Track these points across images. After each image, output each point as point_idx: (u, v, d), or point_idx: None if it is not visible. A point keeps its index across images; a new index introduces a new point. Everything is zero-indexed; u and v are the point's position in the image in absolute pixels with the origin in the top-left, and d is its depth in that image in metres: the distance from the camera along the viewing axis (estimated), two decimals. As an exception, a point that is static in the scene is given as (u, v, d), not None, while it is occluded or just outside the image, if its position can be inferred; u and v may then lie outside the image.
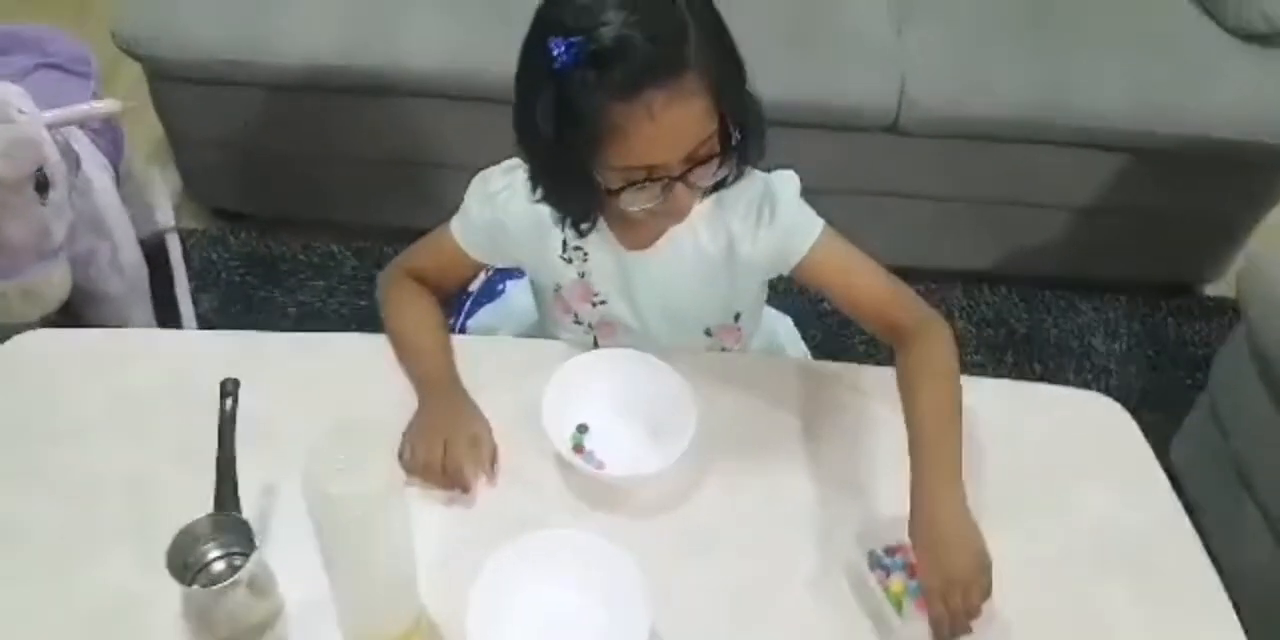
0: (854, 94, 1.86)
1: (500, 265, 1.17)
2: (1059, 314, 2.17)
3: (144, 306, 1.57)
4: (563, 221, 1.05)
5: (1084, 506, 1.05)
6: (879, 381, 1.11)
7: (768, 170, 1.08)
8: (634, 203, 0.93)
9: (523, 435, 1.03)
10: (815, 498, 1.03)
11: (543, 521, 0.97)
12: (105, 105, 1.28)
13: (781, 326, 1.40)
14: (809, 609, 0.95)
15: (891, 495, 1.01)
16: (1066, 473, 1.08)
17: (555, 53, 0.84)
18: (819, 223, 1.06)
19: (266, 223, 2.14)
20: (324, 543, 0.78)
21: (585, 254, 1.10)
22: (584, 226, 1.04)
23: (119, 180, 1.70)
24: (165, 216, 1.92)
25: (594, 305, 1.14)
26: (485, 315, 1.40)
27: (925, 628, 0.91)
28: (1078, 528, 1.03)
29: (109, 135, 1.61)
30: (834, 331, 1.96)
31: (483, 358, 1.12)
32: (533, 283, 1.21)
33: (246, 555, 0.86)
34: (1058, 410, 1.16)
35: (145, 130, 2.09)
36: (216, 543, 0.90)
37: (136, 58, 1.84)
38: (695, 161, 0.91)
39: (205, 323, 1.91)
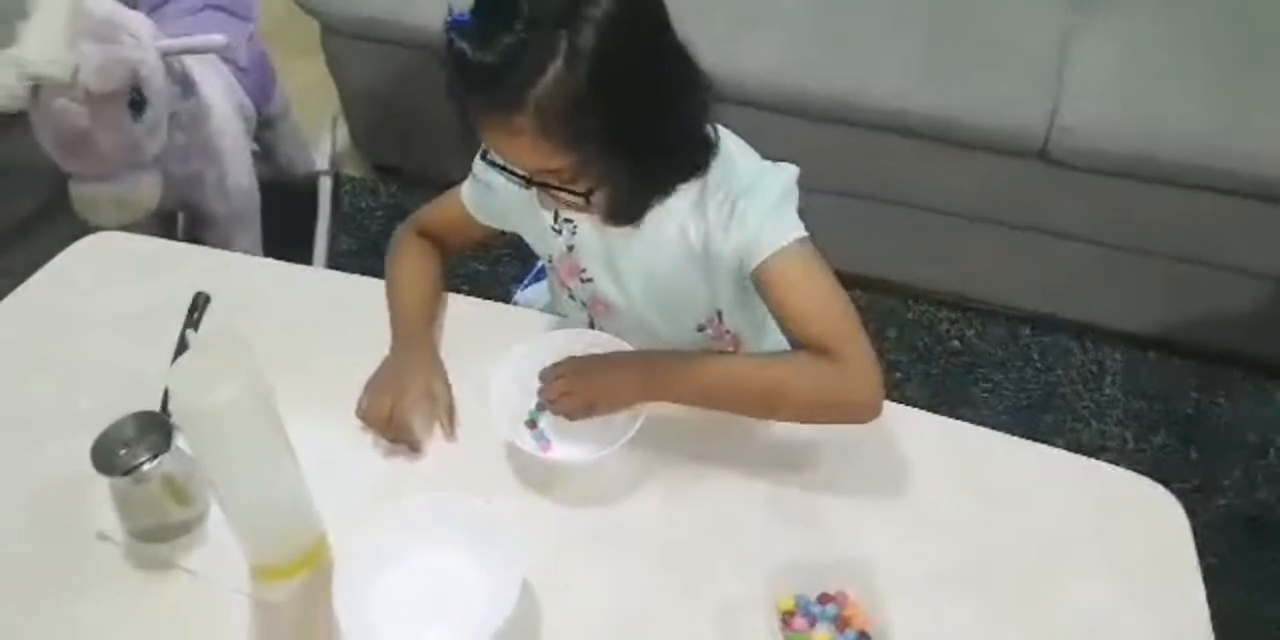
0: (998, 111, 1.68)
1: (502, 229, 1.15)
2: (1240, 399, 1.87)
3: (250, 233, 1.67)
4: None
5: (1085, 601, 0.89)
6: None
7: (775, 160, 0.99)
8: (512, 182, 0.91)
9: (483, 403, 0.99)
10: (757, 523, 0.93)
11: (475, 488, 0.92)
12: (211, 38, 1.38)
13: None
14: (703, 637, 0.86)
15: (844, 538, 0.92)
16: (1078, 560, 0.93)
17: (447, 18, 0.82)
18: (794, 232, 0.94)
19: (417, 179, 2.22)
20: (196, 454, 0.79)
21: (574, 227, 1.05)
22: None
23: (268, 119, 1.83)
24: (321, 161, 2.04)
25: (582, 282, 1.10)
26: (532, 291, 1.39)
27: None
28: (1067, 621, 0.88)
29: (255, 76, 1.73)
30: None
31: (470, 322, 1.10)
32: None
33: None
34: (1095, 490, 0.99)
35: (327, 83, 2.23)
36: (148, 442, 0.91)
37: (310, 12, 1.96)
38: (543, 183, 0.89)
39: (335, 263, 2.01)
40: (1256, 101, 1.64)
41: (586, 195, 0.90)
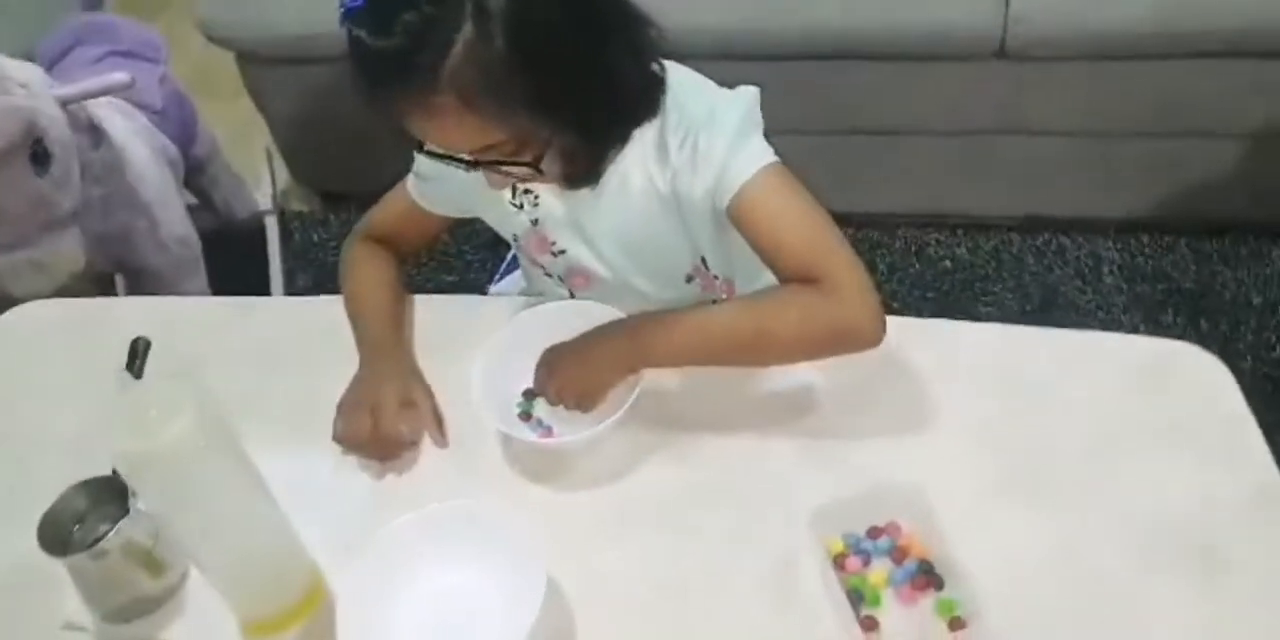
0: (950, 17, 1.62)
1: (455, 215, 1.08)
2: (1239, 264, 1.82)
3: (196, 283, 1.59)
4: None
5: (1144, 480, 0.83)
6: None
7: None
8: (449, 165, 0.84)
9: (468, 402, 0.92)
10: (784, 471, 0.87)
11: (475, 494, 0.86)
12: (112, 78, 1.30)
13: None
14: (755, 605, 0.78)
15: (881, 468, 0.85)
16: (1129, 441, 0.86)
17: (340, 8, 0.76)
18: (760, 160, 0.87)
19: (368, 200, 2.15)
20: (150, 509, 0.72)
21: (535, 198, 0.98)
22: None
23: (197, 162, 1.75)
24: (263, 200, 1.97)
25: (554, 255, 1.02)
26: (508, 282, 1.33)
27: (900, 625, 0.74)
28: (1132, 507, 0.81)
29: (174, 118, 1.65)
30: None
31: (445, 317, 1.04)
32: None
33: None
34: (1132, 364, 0.92)
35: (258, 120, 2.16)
36: (104, 511, 0.84)
37: (223, 44, 1.89)
38: (483, 162, 0.82)
39: (298, 301, 1.94)
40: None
41: (534, 164, 0.83)
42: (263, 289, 1.91)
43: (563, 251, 1.02)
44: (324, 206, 2.19)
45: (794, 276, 0.86)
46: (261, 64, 1.93)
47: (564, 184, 0.90)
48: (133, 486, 0.70)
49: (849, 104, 1.76)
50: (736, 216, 0.87)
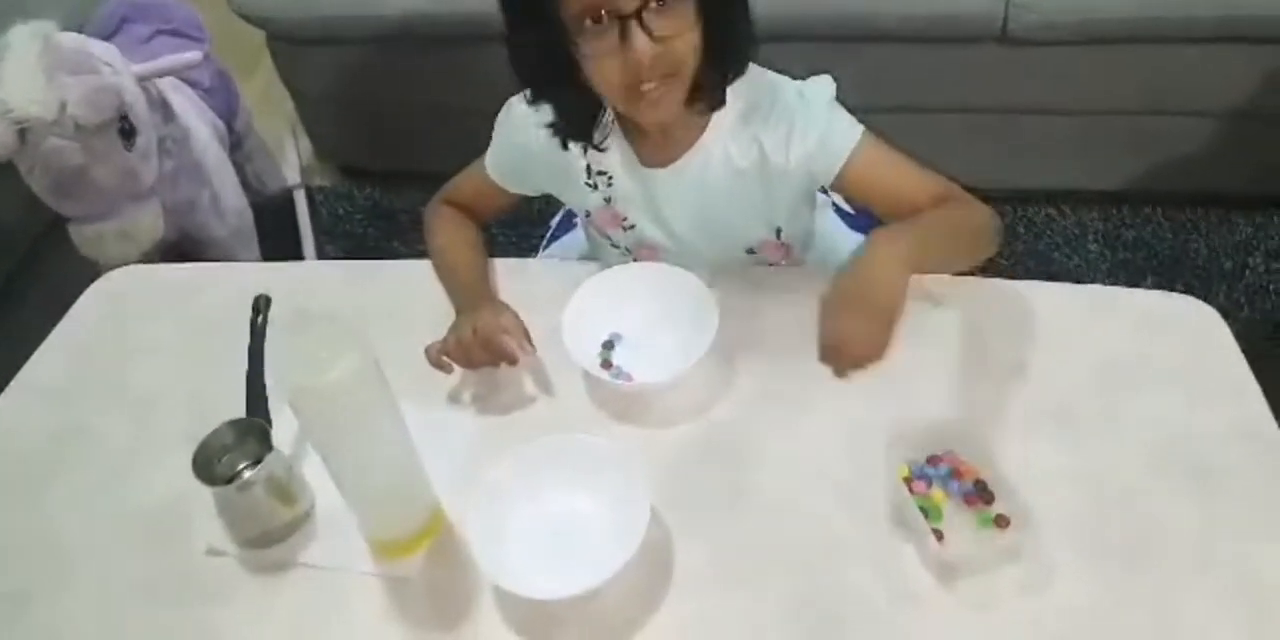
0: (956, 2, 1.74)
1: (530, 194, 1.17)
2: (1210, 232, 1.97)
3: (250, 249, 1.68)
4: (575, 137, 1.04)
5: (1154, 414, 0.95)
6: (920, 289, 1.05)
7: (803, 78, 1.04)
8: (597, 51, 0.89)
9: (551, 353, 1.03)
10: (847, 407, 0.98)
11: (563, 431, 0.96)
12: (186, 57, 1.37)
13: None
14: (838, 525, 0.90)
15: (931, 400, 0.97)
16: (1141, 379, 0.99)
17: None
18: (857, 129, 1.01)
19: (389, 177, 2.24)
20: (310, 438, 0.81)
21: (610, 178, 1.08)
22: (596, 140, 1.03)
23: (237, 138, 1.82)
24: (292, 176, 2.04)
25: (624, 229, 1.13)
26: (557, 248, 1.41)
27: (967, 547, 0.85)
28: (1144, 435, 0.94)
29: (220, 94, 1.73)
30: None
31: (513, 280, 1.13)
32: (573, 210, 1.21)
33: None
34: (1139, 314, 1.06)
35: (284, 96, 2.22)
36: (247, 447, 0.94)
37: (252, 22, 1.95)
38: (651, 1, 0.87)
39: (328, 272, 2.02)
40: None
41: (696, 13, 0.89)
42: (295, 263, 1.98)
43: (632, 226, 1.12)
44: (346, 180, 2.27)
45: (930, 205, 1.00)
46: (291, 43, 2.01)
47: (685, 102, 0.96)
48: (300, 419, 0.79)
49: (857, 83, 1.84)
50: (850, 181, 1.00)
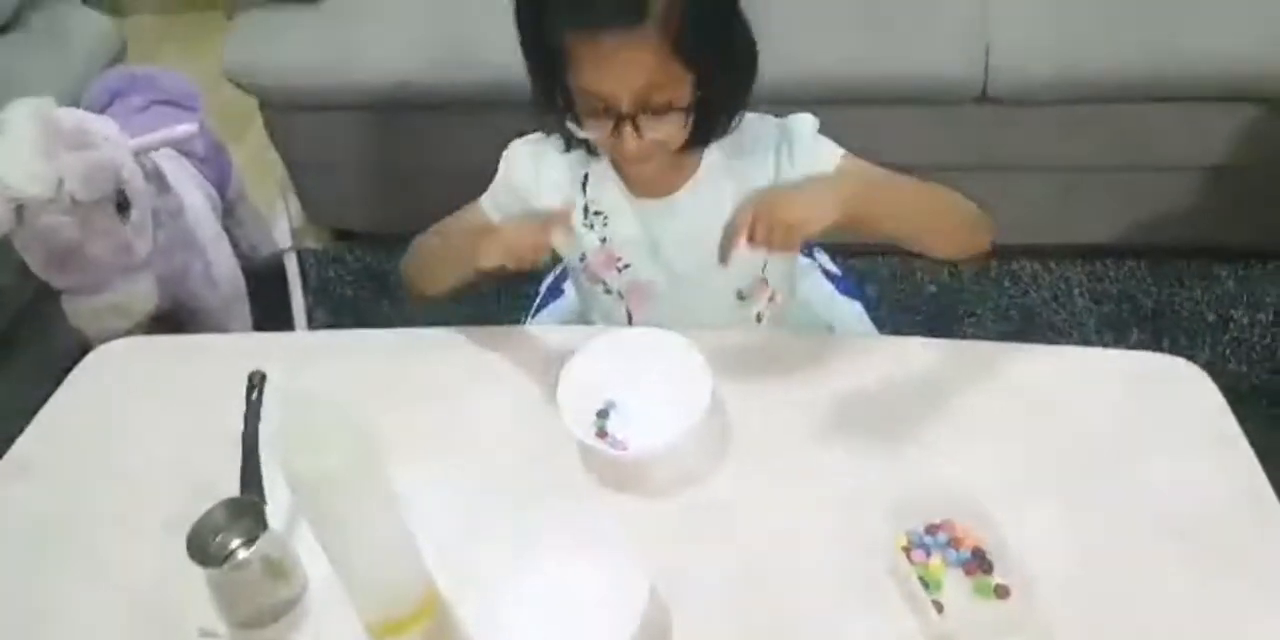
0: (935, 64, 1.78)
1: None
2: (1194, 285, 2.00)
3: (241, 318, 1.68)
4: (573, 146, 1.07)
5: (1147, 478, 0.96)
6: (910, 354, 1.07)
7: (782, 115, 1.07)
8: (591, 129, 0.95)
9: (544, 419, 1.03)
10: (844, 475, 0.98)
11: (561, 504, 0.97)
12: (181, 129, 1.39)
13: (852, 314, 1.35)
14: (837, 597, 0.89)
15: (926, 468, 0.98)
16: (1132, 442, 0.99)
17: None
18: (838, 152, 1.04)
19: (379, 238, 2.25)
20: (308, 518, 0.81)
21: (605, 218, 1.10)
22: (595, 149, 1.06)
23: (229, 204, 1.84)
24: (282, 239, 2.06)
25: (619, 270, 1.14)
26: (546, 315, 1.41)
27: (967, 618, 0.85)
28: (1139, 500, 0.94)
29: (214, 163, 1.75)
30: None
31: (504, 348, 1.13)
32: (565, 259, 1.22)
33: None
34: (1128, 375, 1.07)
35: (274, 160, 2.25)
36: (240, 527, 0.93)
37: (246, 90, 1.99)
38: (648, 108, 0.92)
39: (318, 336, 2.02)
40: (1160, 9, 1.75)
41: (688, 111, 0.94)
42: (286, 326, 1.99)
43: (627, 266, 1.13)
44: (336, 243, 2.29)
45: None
46: (283, 111, 2.03)
47: (684, 144, 0.99)
48: (295, 498, 0.79)
49: (842, 144, 1.90)
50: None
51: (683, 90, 0.93)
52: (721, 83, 0.94)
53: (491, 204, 1.14)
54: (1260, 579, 0.88)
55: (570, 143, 1.07)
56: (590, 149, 1.07)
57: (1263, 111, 1.77)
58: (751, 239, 0.91)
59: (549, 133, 1.08)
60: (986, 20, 1.79)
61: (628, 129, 0.93)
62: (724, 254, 0.94)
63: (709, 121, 0.99)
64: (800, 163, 1.03)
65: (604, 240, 1.12)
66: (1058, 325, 1.96)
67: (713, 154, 1.06)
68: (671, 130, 0.95)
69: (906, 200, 1.01)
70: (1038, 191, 1.97)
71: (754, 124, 1.06)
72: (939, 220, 1.04)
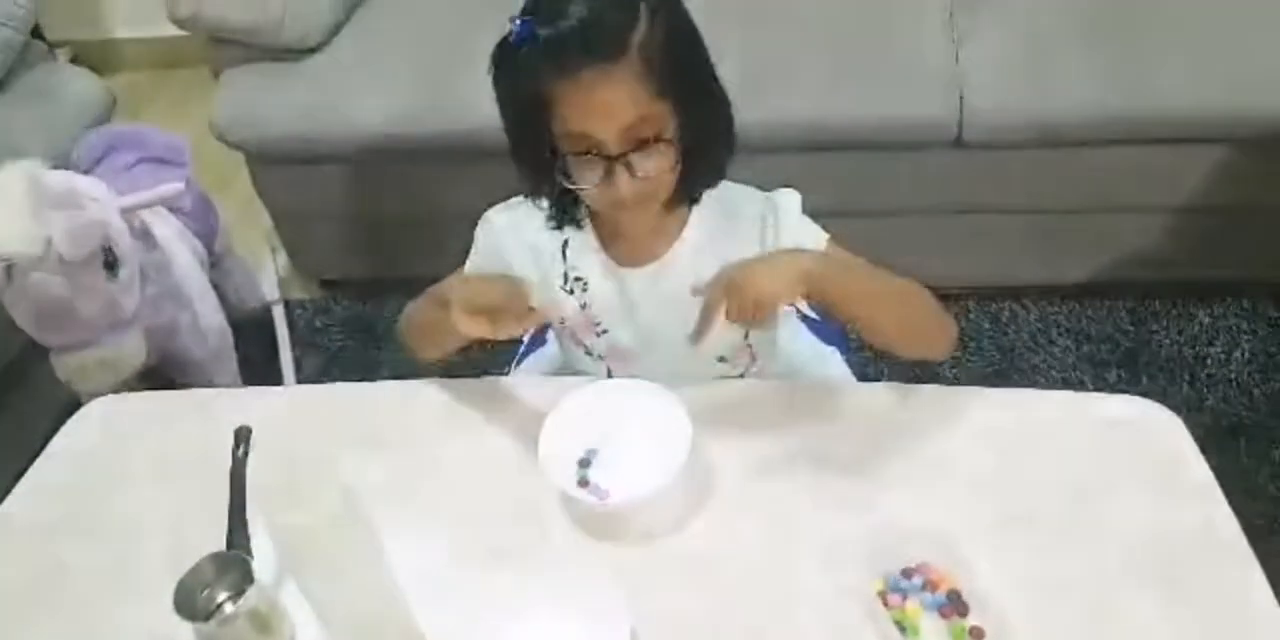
0: (911, 109, 1.82)
1: None
2: (1171, 324, 2.03)
3: (229, 369, 1.69)
4: (555, 214, 1.08)
5: (1118, 521, 0.97)
6: (883, 400, 1.10)
7: (759, 186, 1.09)
8: (581, 179, 0.95)
9: (526, 470, 1.04)
10: (821, 521, 1.00)
11: (542, 554, 0.98)
12: (168, 188, 1.42)
13: (832, 361, 1.37)
14: (820, 634, 0.90)
15: (903, 513, 0.99)
16: (1103, 485, 1.01)
17: (512, 27, 0.90)
18: (823, 237, 1.05)
19: (367, 287, 2.28)
20: (293, 572, 0.82)
21: (585, 284, 1.12)
22: (578, 219, 1.08)
23: (215, 257, 1.86)
24: (270, 291, 2.08)
25: (598, 335, 1.16)
26: (529, 363, 1.43)
27: None
28: (1110, 542, 0.96)
29: (201, 217, 1.77)
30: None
31: (486, 399, 1.15)
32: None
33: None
34: (1099, 419, 1.08)
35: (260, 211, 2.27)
36: (228, 581, 0.94)
37: (233, 146, 2.02)
38: (636, 144, 0.92)
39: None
40: (1140, 49, 1.80)
41: (676, 147, 0.94)
42: (274, 377, 2.00)
43: (605, 331, 1.15)
44: (323, 293, 2.31)
45: None
46: (269, 163, 2.07)
47: (670, 199, 1.02)
48: (284, 555, 0.80)
49: (813, 189, 1.92)
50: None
51: (667, 122, 0.93)
52: (701, 117, 0.96)
53: (475, 272, 1.16)
54: (1233, 623, 0.89)
55: (555, 215, 1.08)
56: (573, 218, 1.09)
57: (1234, 153, 1.81)
58: (729, 316, 0.93)
59: (527, 195, 1.09)
60: (960, 66, 1.84)
61: (620, 171, 0.93)
62: (697, 337, 0.96)
63: (695, 167, 1.00)
64: (785, 239, 1.04)
65: (584, 306, 1.13)
66: (1038, 365, 1.98)
67: (695, 227, 1.07)
68: (662, 165, 0.95)
69: (878, 289, 1.01)
70: (1015, 234, 2.01)
71: (739, 194, 1.08)
72: (907, 313, 1.04)
